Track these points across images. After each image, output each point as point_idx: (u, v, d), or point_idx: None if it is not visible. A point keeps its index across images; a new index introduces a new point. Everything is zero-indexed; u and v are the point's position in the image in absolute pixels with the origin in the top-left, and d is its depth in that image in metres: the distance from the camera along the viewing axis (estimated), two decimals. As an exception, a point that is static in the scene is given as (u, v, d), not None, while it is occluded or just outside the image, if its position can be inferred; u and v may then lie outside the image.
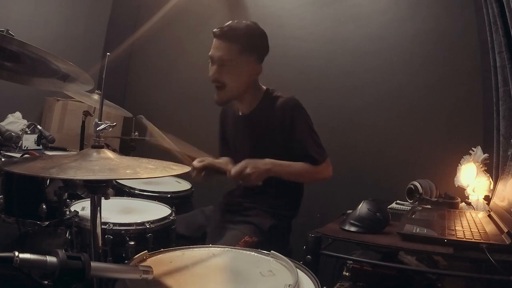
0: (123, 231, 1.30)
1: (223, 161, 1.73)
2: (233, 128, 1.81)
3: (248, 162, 1.53)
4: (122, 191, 1.90)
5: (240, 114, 1.75)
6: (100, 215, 0.96)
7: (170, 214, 1.49)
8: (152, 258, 1.01)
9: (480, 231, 1.20)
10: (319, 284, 0.89)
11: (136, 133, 2.44)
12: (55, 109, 2.86)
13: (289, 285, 0.85)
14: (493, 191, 1.68)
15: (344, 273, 1.25)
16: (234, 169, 1.52)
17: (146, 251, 1.01)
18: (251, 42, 1.61)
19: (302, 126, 1.63)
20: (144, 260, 0.99)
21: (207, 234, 1.65)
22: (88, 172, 0.87)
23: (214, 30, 1.62)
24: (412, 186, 1.80)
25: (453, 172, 1.93)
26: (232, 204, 1.74)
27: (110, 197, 1.34)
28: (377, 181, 2.35)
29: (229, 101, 1.71)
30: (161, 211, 1.53)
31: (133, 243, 1.28)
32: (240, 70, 1.61)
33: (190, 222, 1.70)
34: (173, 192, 1.96)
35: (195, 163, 1.65)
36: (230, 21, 1.63)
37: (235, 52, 1.58)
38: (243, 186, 1.70)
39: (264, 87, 1.74)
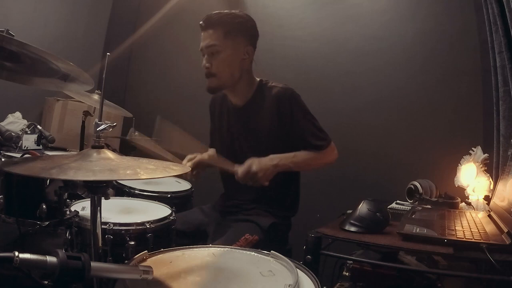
0: (123, 231, 1.30)
1: (210, 154, 1.66)
2: (226, 120, 1.76)
3: (252, 160, 1.51)
4: (122, 191, 1.90)
5: (234, 106, 1.72)
6: (100, 215, 0.96)
7: (170, 214, 1.48)
8: (152, 258, 1.01)
9: (480, 231, 1.20)
10: (319, 284, 0.89)
11: (136, 133, 2.44)
12: (55, 109, 2.86)
13: (289, 285, 0.85)
14: (493, 191, 1.68)
15: (344, 273, 1.25)
16: (240, 171, 1.50)
17: (146, 251, 1.01)
18: (235, 23, 1.60)
19: (302, 115, 1.61)
20: (144, 260, 0.99)
21: (207, 232, 1.65)
22: (88, 172, 0.87)
23: (200, 22, 1.60)
24: (412, 186, 1.80)
25: (453, 172, 1.93)
26: (232, 206, 1.74)
27: (110, 197, 1.35)
28: (377, 181, 2.35)
29: (221, 88, 1.67)
30: (161, 211, 1.53)
31: (133, 243, 1.28)
32: (228, 54, 1.58)
33: (189, 219, 1.69)
34: (173, 192, 1.96)
35: (185, 162, 1.61)
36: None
37: (219, 36, 1.57)
38: (242, 188, 1.70)
39: (258, 79, 1.71)
